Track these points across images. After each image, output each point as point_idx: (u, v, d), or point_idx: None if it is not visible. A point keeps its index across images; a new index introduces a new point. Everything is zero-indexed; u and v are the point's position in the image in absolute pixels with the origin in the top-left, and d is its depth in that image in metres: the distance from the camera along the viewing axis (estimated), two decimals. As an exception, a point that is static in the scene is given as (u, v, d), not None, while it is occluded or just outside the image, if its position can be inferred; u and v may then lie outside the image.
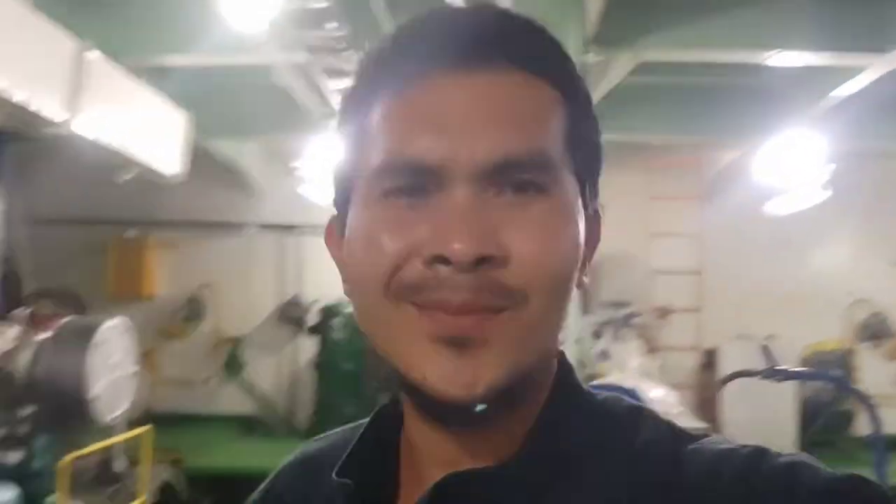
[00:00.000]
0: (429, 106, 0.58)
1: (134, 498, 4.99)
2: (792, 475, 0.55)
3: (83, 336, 3.75)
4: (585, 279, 0.64)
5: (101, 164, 4.70)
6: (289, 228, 7.79)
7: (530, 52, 0.60)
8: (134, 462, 5.26)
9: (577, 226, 0.60)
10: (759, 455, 0.58)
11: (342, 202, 0.64)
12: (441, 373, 0.56)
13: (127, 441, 5.04)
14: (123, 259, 7.78)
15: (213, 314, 7.99)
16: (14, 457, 4.01)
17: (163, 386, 7.62)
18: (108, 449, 4.94)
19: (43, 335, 3.86)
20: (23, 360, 3.74)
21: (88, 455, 4.59)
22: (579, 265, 0.61)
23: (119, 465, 5.28)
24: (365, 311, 0.61)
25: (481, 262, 0.55)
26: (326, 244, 0.68)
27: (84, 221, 7.63)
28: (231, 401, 7.83)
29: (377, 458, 0.68)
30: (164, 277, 8.13)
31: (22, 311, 3.96)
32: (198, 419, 7.48)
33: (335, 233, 0.66)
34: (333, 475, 0.65)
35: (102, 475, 5.16)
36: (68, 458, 4.07)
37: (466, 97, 0.58)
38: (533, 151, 0.58)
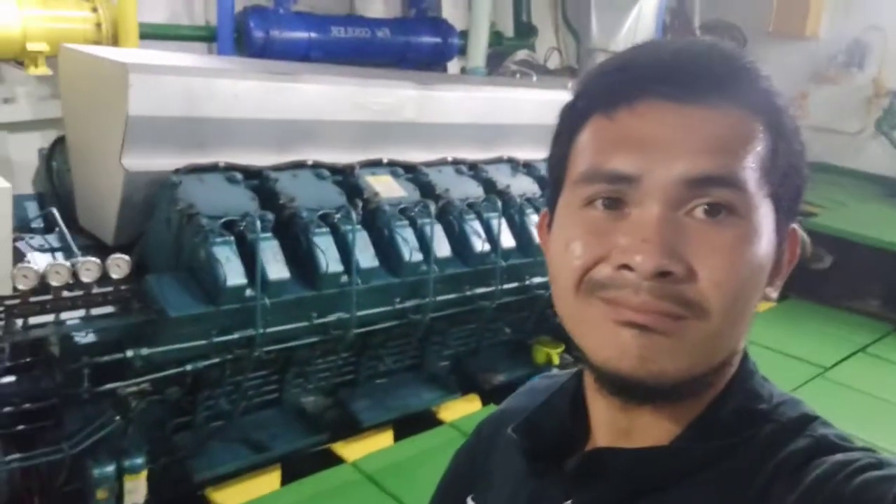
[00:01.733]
0: (633, 126, 0.64)
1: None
2: None
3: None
4: (773, 294, 0.68)
5: None
6: None
7: (734, 84, 0.64)
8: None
9: (764, 249, 0.63)
10: None
11: (552, 202, 0.72)
12: (619, 346, 0.63)
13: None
14: (790, -5, 7.44)
15: (876, 61, 7.24)
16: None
17: (810, 132, 7.45)
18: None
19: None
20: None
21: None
22: (764, 284, 0.65)
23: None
24: (559, 300, 0.69)
25: (663, 275, 0.61)
26: (538, 233, 0.77)
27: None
28: (877, 160, 7.27)
29: (559, 421, 0.77)
30: (829, 16, 7.56)
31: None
32: (839, 171, 7.23)
33: (545, 225, 0.75)
34: (510, 430, 0.77)
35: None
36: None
37: (668, 121, 0.63)
38: (726, 173, 0.61)
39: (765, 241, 0.63)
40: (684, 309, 0.62)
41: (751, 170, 0.62)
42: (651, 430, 0.69)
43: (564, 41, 7.18)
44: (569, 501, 0.70)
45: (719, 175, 0.62)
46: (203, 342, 2.44)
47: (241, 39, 4.51)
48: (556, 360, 3.87)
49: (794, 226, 0.69)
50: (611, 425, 0.71)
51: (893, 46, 7.06)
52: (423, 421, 3.46)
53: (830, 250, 5.55)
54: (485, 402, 3.66)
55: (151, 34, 4.18)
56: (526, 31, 6.32)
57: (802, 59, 7.52)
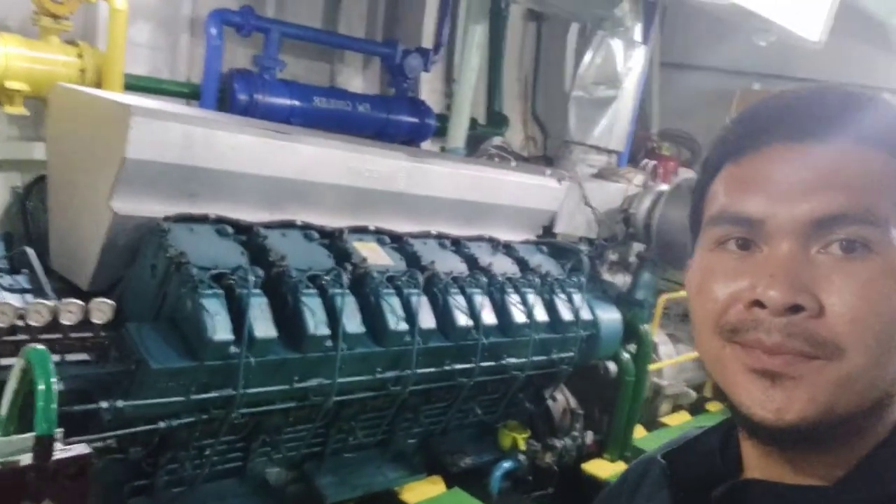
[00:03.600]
0: (761, 171, 0.66)
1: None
2: None
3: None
4: None
5: (743, 24, 4.76)
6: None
7: (866, 124, 0.64)
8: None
9: None
10: None
11: (692, 248, 0.75)
12: (754, 398, 0.63)
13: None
14: (743, 111, 7.87)
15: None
16: (621, 279, 4.74)
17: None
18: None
19: (662, 186, 4.31)
20: (643, 205, 4.27)
21: (680, 298, 5.12)
22: None
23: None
24: (700, 344, 0.70)
25: (794, 310, 0.60)
26: (685, 281, 0.77)
27: (714, 70, 7.88)
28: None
29: (710, 456, 0.77)
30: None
31: (647, 163, 4.46)
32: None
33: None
34: (659, 456, 0.78)
35: (686, 315, 5.71)
36: (664, 297, 4.62)
37: (796, 164, 0.64)
38: (856, 208, 0.61)
39: None
40: (816, 349, 0.60)
41: (886, 206, 0.62)
42: (806, 472, 0.67)
43: (532, 133, 7.40)
44: None
45: (846, 212, 0.61)
46: (181, 399, 2.30)
47: (225, 99, 4.50)
48: (523, 446, 3.79)
49: None
50: (763, 466, 0.70)
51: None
52: (385, 501, 3.32)
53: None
54: (449, 485, 3.54)
55: (135, 86, 4.13)
56: (498, 120, 6.50)
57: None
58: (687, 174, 7.01)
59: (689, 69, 7.96)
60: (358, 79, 5.82)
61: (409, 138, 5.49)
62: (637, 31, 4.58)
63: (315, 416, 2.82)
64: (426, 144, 5.85)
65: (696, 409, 5.37)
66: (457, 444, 3.68)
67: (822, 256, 0.62)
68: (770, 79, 7.72)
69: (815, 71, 7.23)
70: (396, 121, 5.33)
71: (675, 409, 5.27)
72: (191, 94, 4.52)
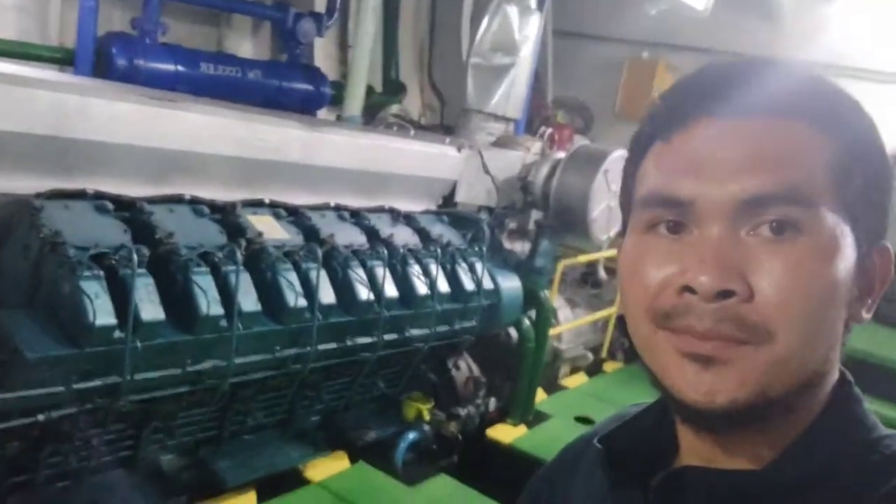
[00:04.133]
0: (690, 149, 0.64)
1: (609, 306, 5.57)
2: None
3: (593, 163, 4.12)
4: (866, 315, 0.65)
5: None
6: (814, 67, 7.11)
7: (795, 99, 0.62)
8: (613, 274, 5.83)
9: (839, 267, 0.60)
10: None
11: (622, 230, 0.73)
12: (686, 381, 0.63)
13: (610, 257, 5.57)
14: (635, 79, 8.05)
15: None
16: (520, 247, 4.78)
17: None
18: (594, 260, 5.55)
19: (559, 154, 4.35)
20: (541, 173, 4.30)
21: (577, 263, 5.22)
22: (842, 303, 0.62)
23: (600, 274, 5.90)
24: (633, 329, 0.69)
25: (725, 295, 0.60)
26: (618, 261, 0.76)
27: (604, 39, 8.01)
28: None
29: (646, 438, 0.77)
30: (668, 101, 8.25)
31: (544, 131, 4.48)
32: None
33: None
34: (595, 441, 0.77)
35: (585, 280, 5.84)
36: (562, 263, 4.69)
37: (724, 141, 0.62)
38: (786, 188, 0.60)
39: (839, 258, 0.61)
40: (747, 333, 0.60)
41: (815, 184, 0.60)
42: (740, 454, 0.67)
43: (430, 101, 7.33)
44: None
45: (775, 193, 0.60)
46: (61, 389, 2.13)
47: (101, 65, 4.20)
48: (427, 416, 3.78)
49: (887, 244, 0.66)
50: (698, 450, 0.70)
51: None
52: (289, 480, 3.24)
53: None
54: (353, 460, 3.49)
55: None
56: (395, 88, 6.39)
57: (643, 138, 8.12)
58: (582, 141, 7.14)
59: (582, 38, 8.06)
60: (247, 44, 5.57)
61: (303, 107, 5.31)
62: (532, -1, 4.57)
63: (210, 399, 2.70)
64: (322, 113, 5.69)
65: (594, 370, 5.52)
66: (360, 419, 3.63)
67: (751, 239, 0.61)
68: (659, 47, 7.93)
69: (701, 40, 7.48)
70: (289, 88, 5.15)
71: (574, 371, 5.40)
72: (64, 59, 4.20)
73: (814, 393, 0.65)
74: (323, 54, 5.88)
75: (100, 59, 4.19)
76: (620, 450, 0.76)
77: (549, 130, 4.53)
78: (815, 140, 0.62)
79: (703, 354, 0.61)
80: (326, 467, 3.40)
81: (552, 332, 4.83)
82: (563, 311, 5.31)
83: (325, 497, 3.22)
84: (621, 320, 5.84)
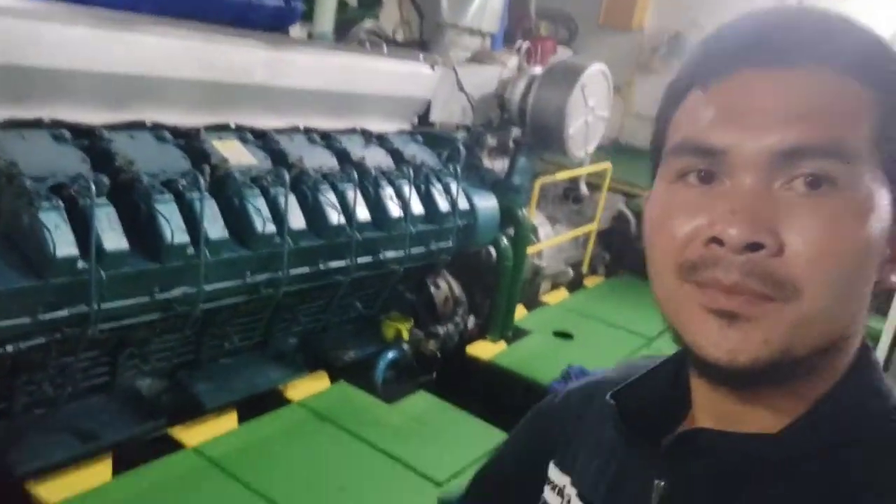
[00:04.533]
0: (728, 97, 0.61)
1: (590, 222, 5.58)
2: None
3: (569, 78, 4.05)
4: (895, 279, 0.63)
5: None
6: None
7: (840, 51, 0.60)
8: (595, 189, 5.82)
9: (873, 227, 0.59)
10: None
11: (652, 177, 0.70)
12: (709, 338, 0.61)
13: (592, 172, 5.55)
14: (619, -13, 7.83)
15: (693, 56, 7.78)
16: (500, 165, 4.74)
17: (633, 119, 7.95)
18: (575, 177, 5.52)
19: (536, 69, 4.26)
20: (518, 89, 4.22)
21: (557, 179, 5.20)
22: (873, 264, 0.60)
23: (582, 189, 5.89)
24: (656, 281, 0.66)
25: (753, 248, 0.58)
26: (644, 208, 0.73)
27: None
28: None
29: (659, 395, 0.76)
30: (655, 10, 8.05)
31: (521, 45, 4.38)
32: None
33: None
34: (608, 397, 0.75)
35: (566, 196, 5.83)
36: (540, 180, 4.67)
37: (765, 90, 0.60)
38: (826, 141, 0.58)
39: (874, 218, 0.59)
40: (773, 289, 0.58)
41: (856, 139, 0.58)
42: (756, 417, 0.65)
43: (408, 15, 7.12)
44: (660, 482, 0.68)
45: (814, 145, 0.58)
46: (27, 320, 2.15)
47: (60, -16, 4.03)
48: (406, 336, 3.84)
49: None
50: (713, 409, 0.68)
51: (708, 43, 7.60)
52: (270, 401, 3.31)
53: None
54: (333, 380, 3.56)
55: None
56: (370, 2, 6.18)
57: (629, 50, 7.95)
58: (565, 54, 6.99)
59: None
60: (215, -42, 5.35)
61: (274, 24, 5.13)
62: None
63: (184, 325, 2.72)
64: (295, 30, 5.52)
65: (575, 286, 5.57)
66: (339, 339, 3.68)
67: (785, 192, 0.59)
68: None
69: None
70: (258, 4, 4.96)
71: (555, 287, 5.45)
72: (20, -22, 4.03)
73: (837, 355, 0.64)
74: (294, -33, 5.66)
75: (58, -22, 4.02)
76: (632, 407, 0.74)
77: (526, 45, 4.41)
78: (861, 95, 0.59)
79: (728, 310, 0.59)
80: (307, 387, 3.47)
81: (532, 249, 4.86)
82: (544, 229, 5.32)
83: (305, 415, 3.30)
84: (602, 235, 5.87)
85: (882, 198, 0.59)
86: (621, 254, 5.94)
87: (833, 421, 0.62)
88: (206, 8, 4.66)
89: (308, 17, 5.22)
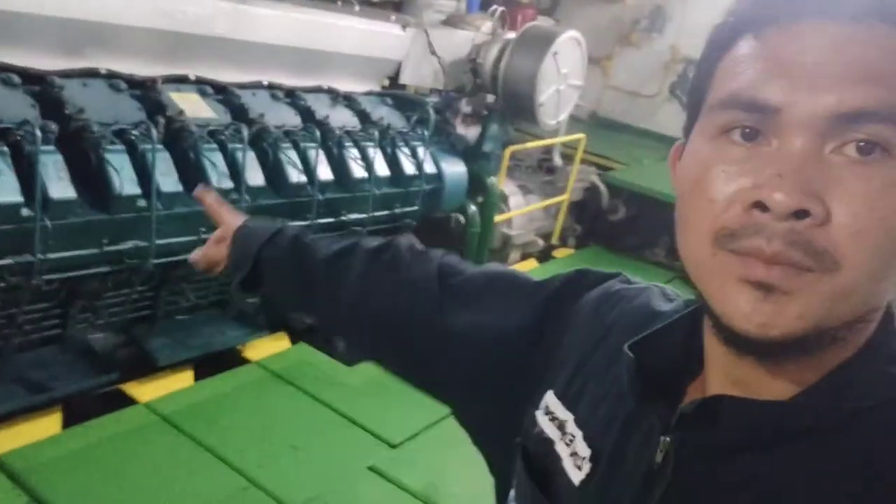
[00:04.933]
0: (783, 50, 0.56)
1: (562, 192, 5.57)
2: None
3: (541, 44, 4.00)
4: None
5: None
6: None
7: None
8: (568, 160, 5.80)
9: None
10: None
11: (688, 130, 0.65)
12: (741, 308, 0.57)
13: (565, 142, 5.52)
14: (602, -44, 7.75)
15: (675, 29, 7.76)
16: (475, 132, 4.71)
17: (611, 92, 7.92)
18: (549, 146, 5.50)
19: (510, 35, 4.21)
20: (491, 54, 4.18)
21: (529, 148, 5.17)
22: None
23: (555, 160, 5.86)
24: (687, 246, 0.63)
25: (800, 215, 0.54)
26: (670, 167, 0.69)
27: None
28: (669, 122, 7.85)
29: (673, 352, 0.72)
30: (639, -19, 7.98)
31: (496, 9, 4.32)
32: (635, 132, 7.73)
33: (677, 158, 0.68)
34: (625, 348, 0.71)
35: (540, 166, 5.81)
36: (510, 149, 4.64)
37: (823, 46, 0.55)
38: (885, 104, 0.53)
39: None
40: (813, 260, 0.55)
41: None
42: (775, 384, 0.62)
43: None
44: (666, 438, 0.66)
45: (875, 109, 0.53)
46: (-32, 267, 2.11)
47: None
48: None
49: None
50: (730, 374, 0.65)
51: (691, 15, 7.58)
52: (227, 360, 3.29)
53: (627, 203, 5.93)
54: (294, 341, 3.54)
55: None
56: (348, -39, 6.08)
57: (610, 21, 7.89)
58: (547, 22, 6.92)
59: None
60: None
61: (247, -21, 5.04)
62: None
63: (137, 279, 2.68)
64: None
65: (544, 256, 5.58)
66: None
67: (835, 157, 0.55)
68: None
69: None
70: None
71: (525, 257, 5.45)
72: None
73: (864, 326, 0.61)
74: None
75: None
76: (647, 361, 0.71)
77: (501, 9, 4.36)
78: None
79: (766, 282, 0.56)
80: (267, 347, 3.44)
81: (502, 217, 4.84)
82: (515, 198, 5.30)
83: (261, 375, 3.28)
84: (574, 206, 5.86)
85: None
86: (592, 226, 5.94)
87: (849, 388, 0.60)
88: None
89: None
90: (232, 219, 1.17)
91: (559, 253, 5.74)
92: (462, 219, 4.25)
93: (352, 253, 1.04)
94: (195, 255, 1.19)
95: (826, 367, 0.61)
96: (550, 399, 0.81)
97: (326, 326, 1.14)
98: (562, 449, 0.77)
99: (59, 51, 2.57)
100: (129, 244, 2.48)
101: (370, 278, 1.01)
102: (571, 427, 0.78)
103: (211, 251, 1.17)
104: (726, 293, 0.58)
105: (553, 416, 0.80)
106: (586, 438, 0.76)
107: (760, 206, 0.55)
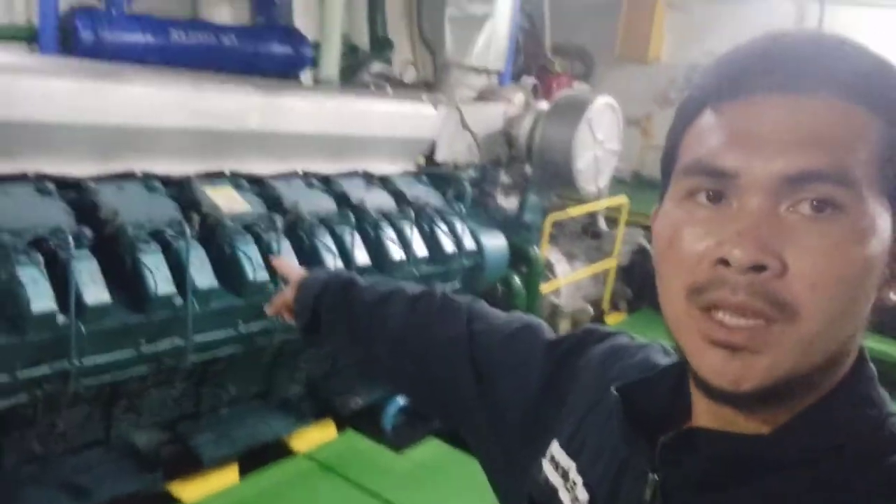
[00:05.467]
0: (740, 120, 0.63)
1: (609, 257, 5.46)
2: None
3: (575, 112, 3.98)
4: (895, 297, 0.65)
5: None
6: (815, -4, 6.83)
7: (846, 78, 0.61)
8: (613, 223, 5.70)
9: (874, 250, 0.60)
10: None
11: (661, 195, 0.71)
12: (713, 367, 0.63)
13: (610, 206, 5.44)
14: (634, 20, 7.79)
15: (713, 85, 7.67)
16: (512, 202, 4.67)
17: (653, 152, 7.84)
18: (592, 211, 5.41)
19: (542, 105, 4.20)
20: (525, 125, 4.16)
21: (571, 215, 5.10)
22: (873, 286, 0.62)
23: (600, 224, 5.77)
24: (665, 300, 0.68)
25: (758, 269, 0.59)
26: (651, 226, 0.74)
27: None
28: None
29: (661, 398, 0.77)
30: (671, 42, 7.98)
31: (528, 80, 4.33)
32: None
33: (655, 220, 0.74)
34: (613, 388, 0.77)
35: (585, 231, 5.72)
36: (551, 217, 4.58)
37: (774, 117, 0.61)
38: (834, 168, 0.59)
39: (875, 241, 0.60)
40: (775, 310, 0.60)
41: (860, 165, 0.60)
42: (753, 424, 0.67)
43: (421, 56, 7.15)
44: (654, 475, 0.70)
45: (820, 171, 0.59)
46: (6, 378, 2.10)
47: (68, 41, 4.10)
48: (415, 381, 3.73)
49: None
50: (712, 414, 0.70)
51: (727, 71, 7.49)
52: (274, 452, 3.23)
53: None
54: (341, 428, 3.47)
55: (-43, 31, 3.71)
56: (381, 45, 6.21)
57: (646, 82, 7.87)
58: (582, 88, 6.94)
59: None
60: (225, 9, 5.43)
61: (284, 70, 5.18)
62: (508, -59, 4.37)
63: (177, 378, 2.66)
64: (305, 76, 5.56)
65: (596, 323, 5.42)
66: (345, 384, 3.59)
67: (791, 215, 0.60)
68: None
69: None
70: (267, 52, 5.01)
71: (575, 325, 5.31)
72: (28, 36, 4.11)
73: (835, 369, 0.66)
74: (304, 13, 5.71)
75: (65, 35, 4.09)
76: (636, 403, 0.76)
77: (532, 80, 4.37)
78: (865, 121, 0.61)
79: (732, 343, 0.61)
80: (313, 437, 3.38)
81: (549, 286, 4.75)
82: (561, 266, 5.21)
83: (311, 468, 3.21)
84: (623, 271, 5.73)
85: (884, 220, 0.61)
86: (644, 289, 5.79)
87: (822, 426, 0.64)
88: (215, 58, 4.72)
89: (318, 62, 5.25)
90: (297, 273, 1.35)
91: (611, 319, 5.59)
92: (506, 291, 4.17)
93: (392, 301, 1.17)
94: (268, 307, 1.38)
95: (799, 407, 0.65)
96: (555, 448, 0.87)
97: (366, 368, 1.30)
98: (564, 496, 0.82)
99: (96, 156, 2.63)
100: (166, 343, 2.47)
101: (407, 326, 1.13)
102: (574, 474, 0.83)
103: (278, 299, 1.35)
104: (699, 350, 0.64)
105: (557, 464, 0.86)
106: (585, 484, 0.81)
107: (724, 261, 0.61)
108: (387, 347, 1.16)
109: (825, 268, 0.59)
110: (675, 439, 0.70)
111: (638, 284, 5.84)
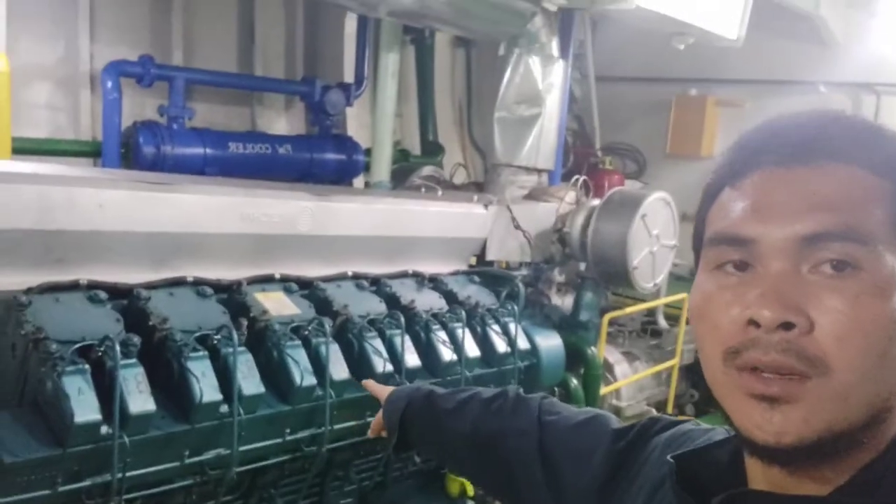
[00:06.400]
0: (753, 195, 0.69)
1: (671, 356, 5.25)
2: None
3: (629, 208, 3.90)
4: None
5: (660, 29, 4.66)
6: (867, 86, 6.75)
7: (854, 148, 0.67)
8: (674, 321, 5.51)
9: (894, 302, 0.63)
10: None
11: (693, 271, 0.77)
12: (753, 420, 0.66)
13: (669, 303, 5.27)
14: (684, 117, 7.79)
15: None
16: (567, 301, 4.55)
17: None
18: (651, 308, 5.25)
19: (594, 202, 4.15)
20: (577, 222, 4.10)
21: (627, 313, 4.95)
22: None
23: (660, 322, 5.59)
24: (705, 368, 0.73)
25: (786, 327, 0.63)
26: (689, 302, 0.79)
27: (648, 79, 7.81)
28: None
29: (717, 467, 0.80)
30: (724, 137, 7.94)
31: (577, 179, 4.30)
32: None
33: None
34: (669, 456, 0.81)
35: (645, 330, 5.54)
36: (608, 315, 4.44)
37: (785, 188, 0.67)
38: (843, 227, 0.64)
39: None
40: (807, 366, 0.63)
41: (871, 223, 0.64)
42: (806, 488, 0.68)
43: (471, 158, 7.25)
44: None
45: (832, 230, 0.64)
46: (46, 493, 2.04)
47: (130, 155, 4.27)
48: (471, 491, 3.55)
49: None
50: (764, 478, 0.72)
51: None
52: (324, 569, 3.06)
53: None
54: (394, 543, 3.29)
55: (28, 149, 3.90)
56: (433, 150, 6.34)
57: (700, 177, 7.77)
58: (634, 185, 6.90)
59: (627, 81, 7.88)
60: (281, 120, 5.64)
61: (337, 177, 5.30)
62: (554, 47, 4.42)
63: (221, 490, 2.56)
64: (358, 181, 5.67)
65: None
66: (399, 496, 3.43)
67: (813, 276, 0.65)
68: (707, 83, 7.68)
69: (749, 70, 7.21)
70: (321, 160, 5.14)
71: (639, 429, 5.05)
72: (93, 152, 4.30)
73: (881, 427, 0.67)
74: (357, 123, 5.89)
75: (128, 150, 4.26)
76: (690, 471, 0.79)
77: (583, 178, 4.33)
78: (872, 183, 0.66)
79: (768, 395, 0.64)
80: (364, 549, 3.21)
81: (609, 389, 4.56)
82: (621, 366, 5.03)
83: (362, 587, 3.03)
84: (687, 370, 5.49)
85: None
86: (710, 391, 5.51)
87: (880, 484, 0.65)
88: (271, 167, 4.85)
89: (370, 168, 5.35)
90: (385, 392, 1.45)
91: (677, 422, 5.31)
92: (563, 394, 4.00)
93: (470, 403, 1.26)
94: (370, 431, 1.50)
95: (853, 468, 0.67)
96: None
97: (448, 464, 1.45)
98: None
99: (149, 262, 2.65)
100: (210, 453, 2.39)
101: (483, 421, 1.22)
102: None
103: (376, 423, 1.46)
104: (740, 409, 0.67)
105: None
106: None
107: (754, 323, 0.65)
108: (465, 443, 1.24)
109: (848, 322, 0.62)
110: (727, 500, 0.71)
111: (705, 385, 5.56)
